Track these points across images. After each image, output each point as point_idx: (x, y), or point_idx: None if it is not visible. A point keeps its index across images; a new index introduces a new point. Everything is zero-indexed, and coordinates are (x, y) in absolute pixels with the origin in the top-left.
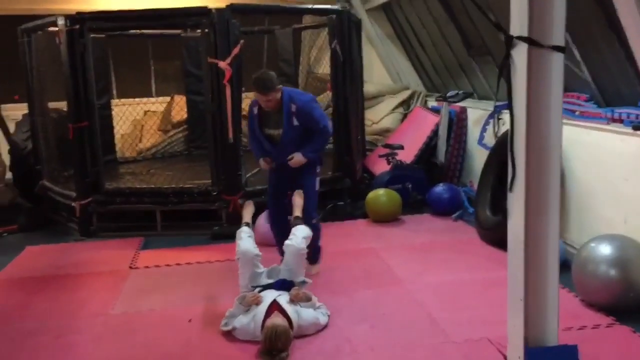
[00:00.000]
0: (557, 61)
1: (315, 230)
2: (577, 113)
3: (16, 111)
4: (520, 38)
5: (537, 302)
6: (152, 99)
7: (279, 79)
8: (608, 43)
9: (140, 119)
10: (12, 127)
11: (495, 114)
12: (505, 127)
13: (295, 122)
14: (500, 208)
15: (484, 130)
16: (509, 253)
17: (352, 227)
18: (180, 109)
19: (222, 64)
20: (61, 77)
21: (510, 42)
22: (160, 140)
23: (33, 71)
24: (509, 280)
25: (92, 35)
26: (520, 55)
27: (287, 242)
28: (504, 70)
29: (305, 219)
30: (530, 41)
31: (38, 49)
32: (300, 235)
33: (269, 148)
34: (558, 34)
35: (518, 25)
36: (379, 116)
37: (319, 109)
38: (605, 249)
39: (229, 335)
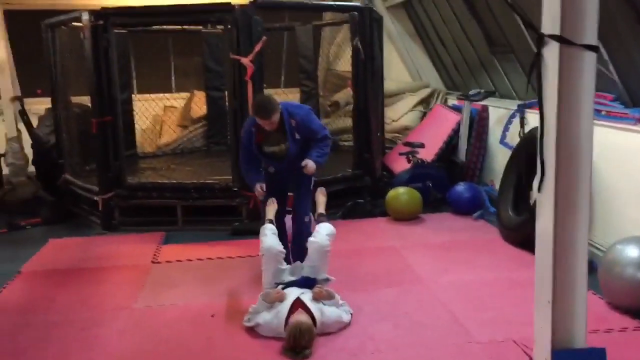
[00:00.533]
0: (589, 60)
1: (308, 230)
2: (602, 113)
3: (38, 105)
4: (551, 36)
5: (565, 305)
6: (172, 95)
7: (299, 76)
8: (637, 41)
9: (160, 114)
10: (34, 121)
11: (518, 113)
12: (528, 126)
13: (297, 136)
14: (523, 208)
15: (506, 129)
16: (537, 254)
17: (372, 225)
18: (200, 104)
19: (245, 61)
20: (84, 71)
21: (541, 40)
22: (180, 135)
23: (56, 66)
24: (537, 282)
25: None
26: (551, 54)
27: (311, 239)
28: (534, 70)
29: (302, 217)
30: (562, 40)
31: (62, 43)
32: (324, 232)
33: (271, 164)
34: (590, 33)
35: (550, 23)
36: (398, 114)
37: (316, 120)
38: (632, 251)
39: (252, 331)
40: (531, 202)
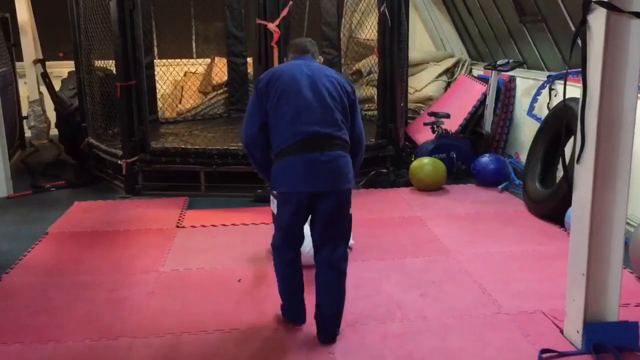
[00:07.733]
0: (637, 28)
1: None
2: None
3: (60, 68)
4: (599, 2)
5: (599, 278)
6: (194, 60)
7: (322, 44)
8: None
9: (180, 79)
10: (56, 84)
11: (547, 84)
12: (557, 98)
13: None
14: (550, 181)
15: (534, 100)
16: (572, 226)
17: (396, 195)
18: (222, 70)
19: (271, 26)
20: (108, 34)
21: (587, 6)
22: (200, 101)
23: (80, 28)
24: (571, 254)
25: None
26: (597, 21)
27: None
28: (578, 38)
29: None
30: (610, 6)
31: (86, 6)
32: None
33: None
34: None
35: None
36: (422, 84)
37: None
38: None
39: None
40: (560, 174)
